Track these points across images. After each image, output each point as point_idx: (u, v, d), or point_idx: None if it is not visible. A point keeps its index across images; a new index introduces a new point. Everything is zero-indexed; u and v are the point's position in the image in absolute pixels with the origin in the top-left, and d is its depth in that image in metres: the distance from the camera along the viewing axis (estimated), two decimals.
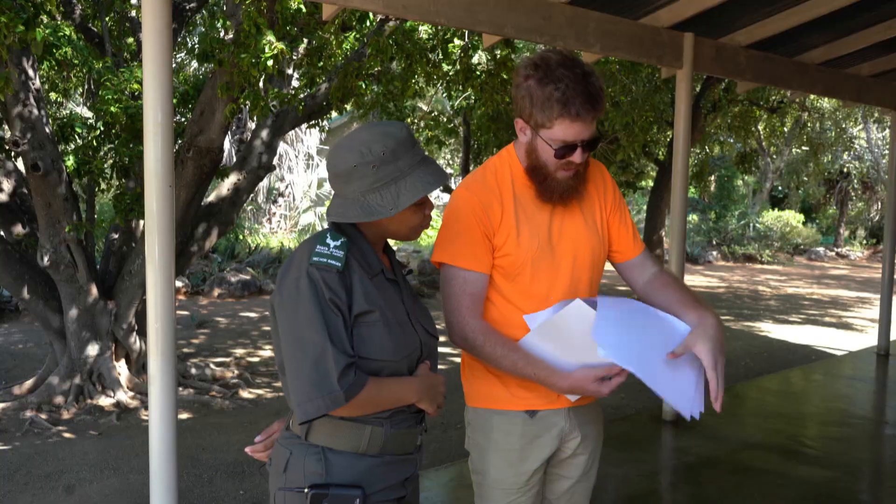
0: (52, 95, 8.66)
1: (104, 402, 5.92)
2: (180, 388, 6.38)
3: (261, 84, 3.95)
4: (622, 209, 1.94)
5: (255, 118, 4.49)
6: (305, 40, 4.79)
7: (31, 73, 5.26)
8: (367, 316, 1.43)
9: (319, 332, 1.35)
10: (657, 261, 1.96)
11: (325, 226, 1.53)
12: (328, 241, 1.42)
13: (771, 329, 9.87)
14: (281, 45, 3.55)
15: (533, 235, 1.77)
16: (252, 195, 19.00)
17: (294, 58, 4.77)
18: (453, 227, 1.77)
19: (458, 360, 6.78)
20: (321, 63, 4.81)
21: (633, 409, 5.55)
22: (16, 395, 6.02)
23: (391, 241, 4.68)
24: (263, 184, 18.99)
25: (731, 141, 14.34)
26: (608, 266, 2.04)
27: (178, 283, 11.41)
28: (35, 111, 5.27)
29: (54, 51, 6.08)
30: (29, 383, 6.16)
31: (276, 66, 3.58)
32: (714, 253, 20.04)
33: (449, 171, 21.11)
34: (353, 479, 1.45)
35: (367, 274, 1.46)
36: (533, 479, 1.84)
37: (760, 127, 13.82)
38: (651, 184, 13.07)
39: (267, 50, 3.52)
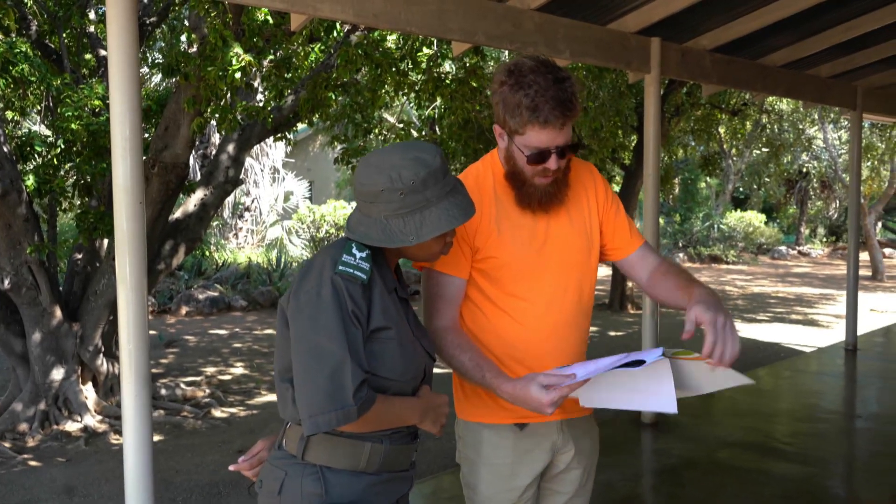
0: (9, 114, 8.44)
1: (71, 427, 5.74)
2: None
3: (228, 97, 3.87)
4: (616, 205, 1.91)
5: (222, 132, 4.41)
6: (273, 52, 4.74)
7: None
8: (383, 332, 1.40)
9: (339, 344, 1.31)
10: (656, 252, 1.94)
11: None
12: (354, 251, 1.39)
13: (740, 328, 10.01)
14: (248, 58, 3.49)
15: (515, 238, 1.75)
16: (218, 210, 18.77)
17: (261, 70, 4.71)
18: None
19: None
20: (289, 74, 4.75)
21: (612, 412, 5.56)
22: None
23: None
24: (229, 199, 18.71)
25: (694, 144, 14.57)
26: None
27: None
28: None
29: (10, 68, 5.92)
30: None
31: (244, 78, 3.52)
32: (680, 255, 20.32)
33: None
34: (353, 499, 1.41)
35: (386, 288, 1.44)
36: (525, 495, 1.80)
37: (721, 130, 14.06)
38: (618, 189, 13.19)
39: (234, 62, 3.46)
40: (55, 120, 5.80)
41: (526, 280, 1.75)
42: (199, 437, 5.65)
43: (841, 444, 4.56)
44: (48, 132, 7.31)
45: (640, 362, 1.44)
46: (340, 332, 1.32)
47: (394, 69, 4.36)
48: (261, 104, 4.83)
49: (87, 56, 7.28)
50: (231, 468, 1.53)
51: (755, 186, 25.46)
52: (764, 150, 17.90)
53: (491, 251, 1.74)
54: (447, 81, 5.03)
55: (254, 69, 3.56)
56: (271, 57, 4.55)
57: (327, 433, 1.39)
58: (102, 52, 7.30)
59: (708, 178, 22.57)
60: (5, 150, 5.26)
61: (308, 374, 1.33)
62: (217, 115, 3.95)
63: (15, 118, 8.34)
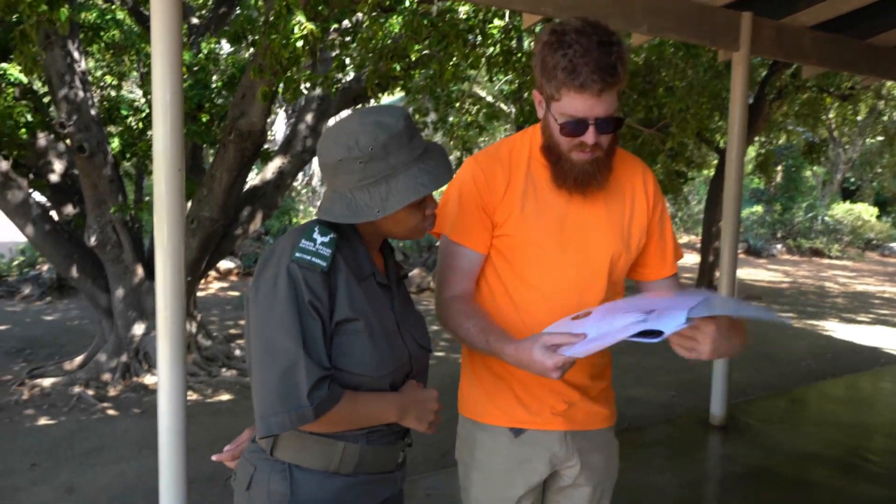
0: (108, 78, 8.83)
1: (149, 380, 5.99)
2: (223, 369, 6.43)
3: (294, 66, 3.85)
4: (664, 222, 1.72)
5: (286, 101, 4.40)
6: (343, 22, 4.68)
7: (76, 55, 5.30)
8: (350, 324, 1.28)
9: (293, 338, 1.21)
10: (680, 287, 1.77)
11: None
12: (315, 235, 1.28)
13: (836, 328, 9.36)
14: (311, 26, 3.43)
15: (539, 219, 1.58)
16: (307, 178, 19.15)
17: (324, 40, 4.65)
18: (453, 198, 1.63)
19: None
20: (354, 44, 4.68)
21: (682, 409, 5.27)
22: (66, 370, 6.15)
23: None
24: (318, 167, 19.04)
25: (800, 130, 13.66)
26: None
27: (231, 265, 11.60)
28: (80, 93, 5.32)
29: (102, 34, 6.15)
30: (79, 359, 6.29)
31: (306, 47, 3.48)
32: (778, 246, 19.25)
33: None
34: (323, 501, 1.30)
35: (355, 276, 1.31)
36: None
37: (831, 115, 13.11)
38: (712, 173, 12.54)
39: (296, 30, 3.42)
40: (143, 85, 5.99)
41: (542, 268, 1.59)
42: None
43: None
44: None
45: (658, 332, 1.24)
46: (295, 326, 1.21)
47: (461, 41, 4.21)
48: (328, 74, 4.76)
49: (183, 25, 7.49)
50: (214, 458, 1.46)
51: (867, 177, 23.74)
52: (878, 138, 16.61)
53: (509, 229, 1.59)
54: (518, 54, 4.81)
55: (317, 38, 3.51)
56: (335, 26, 4.49)
57: (296, 430, 1.29)
58: (194, 20, 7.47)
59: (814, 167, 21.21)
60: (93, 112, 5.47)
61: (261, 371, 1.23)
62: (282, 84, 3.94)
63: (112, 83, 8.73)
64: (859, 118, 13.24)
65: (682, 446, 4.26)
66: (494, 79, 5.32)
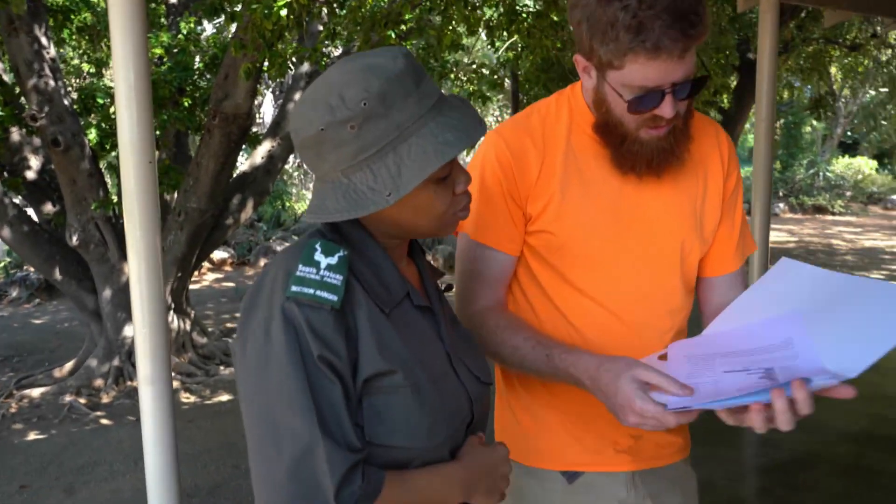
0: (85, 66, 8.42)
1: None
2: (221, 367, 6.16)
3: (278, 39, 3.51)
4: (736, 197, 1.34)
5: (272, 78, 4.07)
6: None
7: (44, 41, 4.92)
8: (384, 379, 0.90)
9: (302, 414, 0.84)
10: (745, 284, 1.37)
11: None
12: (317, 256, 0.88)
13: None
14: None
15: (585, 208, 1.21)
16: (298, 160, 18.76)
17: (315, 7, 4.30)
18: (473, 186, 1.23)
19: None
20: (343, 11, 4.31)
21: None
22: (56, 378, 5.86)
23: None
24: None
25: (799, 85, 13.29)
26: None
27: (224, 254, 11.27)
28: (52, 82, 4.95)
29: (72, 17, 5.76)
30: (69, 366, 6.00)
31: (291, 16, 3.13)
32: (781, 205, 19.00)
33: None
34: None
35: (382, 306, 0.92)
36: None
37: (832, 69, 12.74)
38: None
39: None
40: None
41: (594, 271, 1.23)
42: None
43: None
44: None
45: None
46: (303, 395, 0.83)
47: (461, 2, 3.84)
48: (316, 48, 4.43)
49: (159, 6, 7.08)
50: None
51: (865, 130, 23.42)
52: (882, 90, 16.26)
53: (546, 223, 1.22)
54: (523, 15, 4.44)
55: (303, 6, 3.16)
56: None
57: None
58: (172, 0, 7.06)
59: (815, 122, 20.86)
60: (66, 103, 5.10)
61: (262, 463, 0.86)
62: (266, 60, 3.58)
63: (90, 71, 8.31)
64: (867, 68, 12.91)
65: (721, 432, 3.96)
66: (496, 43, 4.95)
